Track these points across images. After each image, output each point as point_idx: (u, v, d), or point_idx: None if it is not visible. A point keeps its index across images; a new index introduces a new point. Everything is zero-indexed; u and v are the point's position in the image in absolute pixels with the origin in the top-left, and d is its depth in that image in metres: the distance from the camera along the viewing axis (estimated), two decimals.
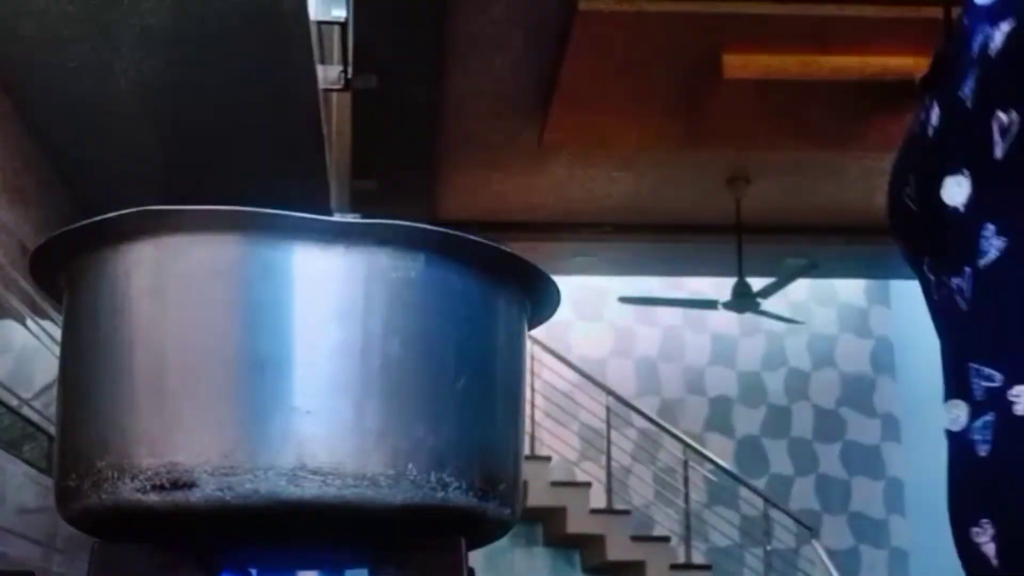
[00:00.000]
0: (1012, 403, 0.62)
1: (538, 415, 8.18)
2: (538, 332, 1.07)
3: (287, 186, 2.22)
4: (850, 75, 5.15)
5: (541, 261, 1.02)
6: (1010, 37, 0.66)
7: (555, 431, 8.24)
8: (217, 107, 2.00)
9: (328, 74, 2.27)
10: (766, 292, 7.24)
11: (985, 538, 0.64)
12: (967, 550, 0.66)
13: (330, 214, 2.36)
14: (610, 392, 8.37)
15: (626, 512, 8.12)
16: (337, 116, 3.16)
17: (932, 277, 0.73)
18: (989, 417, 0.64)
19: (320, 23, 2.13)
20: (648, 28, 5.12)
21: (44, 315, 2.10)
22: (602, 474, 8.25)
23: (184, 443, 0.89)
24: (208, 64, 1.85)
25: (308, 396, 0.89)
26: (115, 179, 2.26)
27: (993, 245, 0.65)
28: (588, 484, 8.15)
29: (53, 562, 2.13)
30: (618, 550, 7.81)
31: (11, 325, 1.99)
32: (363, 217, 0.98)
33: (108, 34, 1.74)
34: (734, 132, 6.03)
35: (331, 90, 2.40)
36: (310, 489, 0.88)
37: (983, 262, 0.65)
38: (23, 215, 2.03)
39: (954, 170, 0.69)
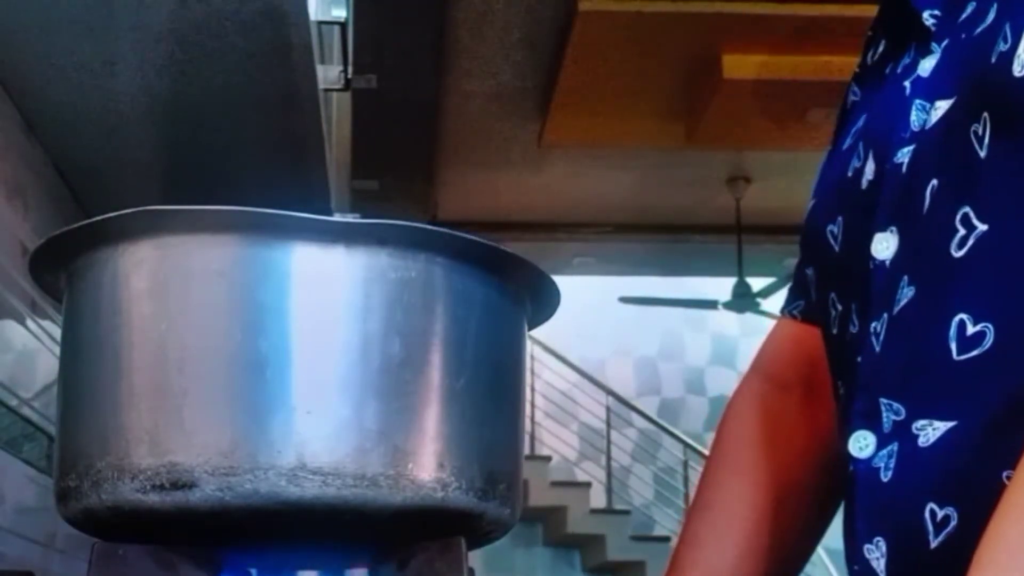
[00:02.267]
0: (916, 436, 0.69)
1: (538, 415, 8.19)
2: (538, 332, 1.07)
3: (287, 186, 2.22)
4: (849, 75, 5.14)
5: (541, 261, 1.02)
6: (951, 108, 0.73)
7: (555, 431, 8.24)
8: (217, 107, 2.00)
9: (328, 74, 2.27)
10: (766, 292, 7.23)
11: (877, 554, 0.70)
12: (859, 565, 0.72)
13: (330, 214, 2.36)
14: (610, 392, 8.37)
15: (626, 512, 8.12)
16: (337, 116, 3.16)
17: (840, 308, 0.80)
18: (894, 447, 0.71)
19: (320, 23, 2.13)
20: (648, 28, 5.12)
21: (44, 315, 2.10)
22: (602, 474, 8.25)
23: (184, 443, 0.89)
24: (208, 64, 1.85)
25: (308, 396, 0.89)
26: (115, 179, 2.26)
27: (905, 294, 0.72)
28: (588, 484, 8.15)
29: (53, 562, 2.13)
30: (618, 550, 7.82)
31: (11, 325, 1.99)
32: (363, 217, 0.98)
33: (108, 34, 1.74)
34: (734, 132, 6.03)
35: (331, 90, 2.40)
36: (310, 489, 0.88)
37: (896, 309, 0.72)
38: (23, 215, 2.03)
39: (883, 227, 0.75)
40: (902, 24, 0.83)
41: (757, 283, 7.29)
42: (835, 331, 0.81)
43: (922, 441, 0.69)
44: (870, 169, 0.78)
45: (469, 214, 7.07)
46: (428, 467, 0.91)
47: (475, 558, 0.98)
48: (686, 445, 8.19)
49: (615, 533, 7.89)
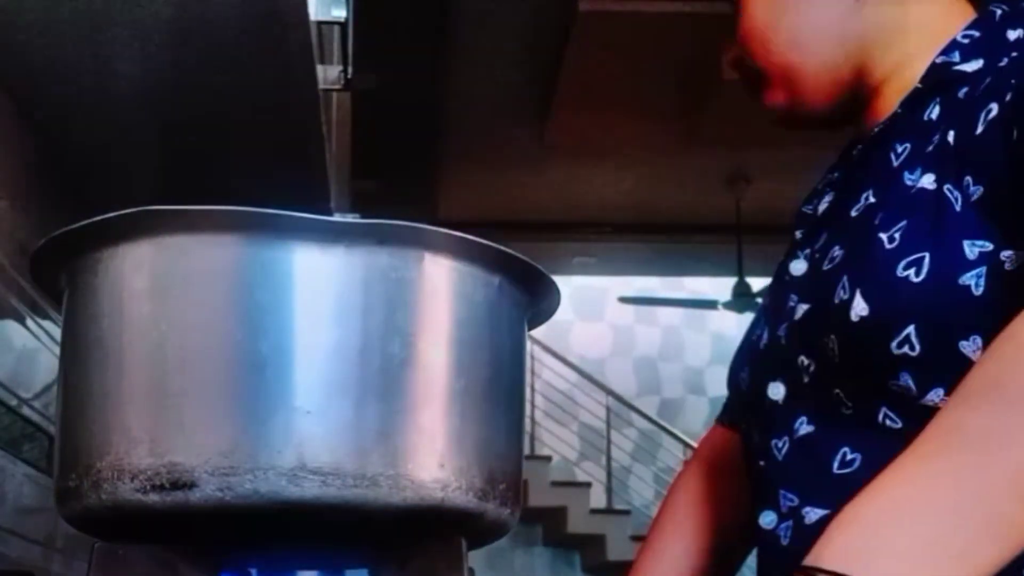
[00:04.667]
0: (803, 516, 0.99)
1: (538, 415, 8.19)
2: (538, 332, 1.09)
3: (287, 186, 2.23)
4: None
5: (541, 261, 1.02)
6: (807, 314, 1.01)
7: (555, 431, 8.24)
8: (217, 107, 2.00)
9: (328, 74, 2.27)
10: (766, 292, 7.22)
11: None
12: None
13: (330, 214, 2.36)
14: (610, 392, 8.37)
15: (626, 512, 8.13)
16: (337, 116, 3.16)
17: (746, 426, 1.12)
18: (789, 523, 1.00)
19: (320, 23, 2.13)
20: (648, 28, 5.12)
21: (44, 315, 2.10)
22: (602, 474, 8.26)
23: (184, 443, 0.89)
24: (208, 64, 1.85)
25: (308, 396, 0.89)
26: (115, 179, 2.26)
27: (803, 428, 1.00)
28: (588, 484, 8.16)
29: (53, 562, 2.13)
30: (618, 550, 7.82)
31: (11, 325, 1.99)
32: (363, 217, 0.98)
33: (108, 34, 1.74)
34: (734, 132, 6.03)
35: (331, 90, 2.40)
36: (310, 489, 0.88)
37: (797, 435, 1.01)
38: (23, 215, 2.03)
39: (774, 378, 1.04)
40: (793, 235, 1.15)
41: (757, 283, 7.29)
42: (746, 441, 1.12)
43: (807, 521, 0.98)
44: (765, 336, 1.08)
45: (469, 214, 7.07)
46: (428, 467, 0.92)
47: (475, 558, 0.98)
48: (686, 445, 8.19)
49: (615, 533, 7.89)
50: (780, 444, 1.02)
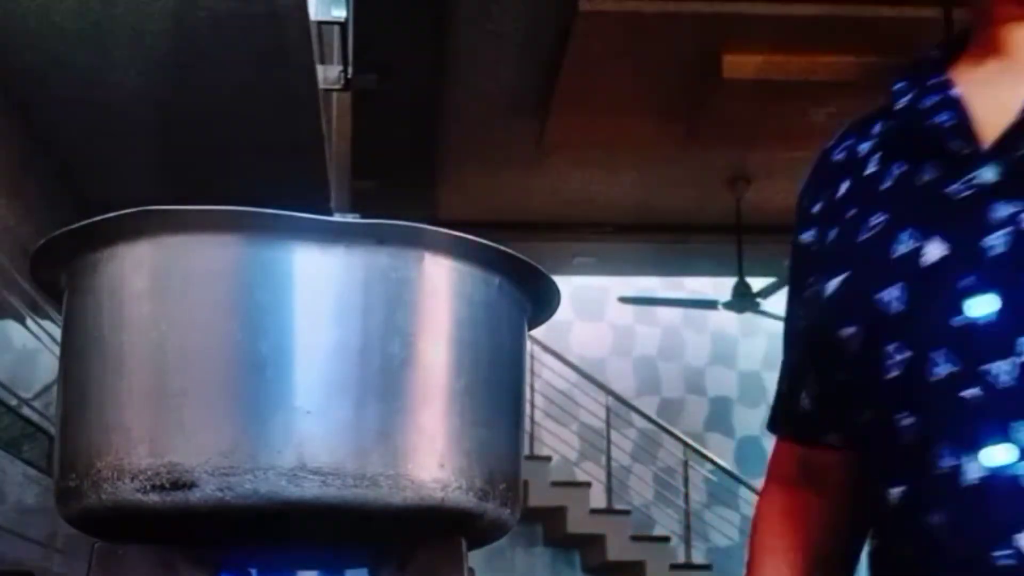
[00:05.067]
0: None
1: (538, 415, 8.18)
2: (538, 332, 1.09)
3: (287, 186, 2.22)
4: (850, 75, 5.15)
5: (541, 261, 1.02)
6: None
7: (555, 431, 8.24)
8: (217, 107, 2.00)
9: (328, 74, 2.27)
10: (766, 292, 7.23)
11: None
12: (1011, 551, 0.86)
13: (330, 214, 2.36)
14: (610, 392, 8.37)
15: (626, 512, 8.12)
16: (337, 116, 3.16)
17: (908, 354, 0.95)
18: None
19: (320, 23, 2.13)
20: (648, 28, 5.12)
21: (44, 315, 2.10)
22: (602, 474, 8.25)
23: (184, 443, 0.89)
24: (208, 64, 1.85)
25: (308, 396, 0.89)
26: (115, 179, 2.26)
27: None
28: (588, 484, 8.15)
29: (53, 562, 2.13)
30: (618, 550, 7.81)
31: (11, 325, 1.99)
32: (363, 217, 0.98)
33: (108, 34, 1.74)
34: (734, 132, 6.03)
35: (331, 90, 2.40)
36: (310, 489, 0.88)
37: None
38: (23, 215, 2.03)
39: (980, 291, 0.91)
40: (921, 147, 1.00)
41: (757, 283, 7.29)
42: (896, 374, 0.96)
43: None
44: (936, 249, 0.94)
45: (469, 214, 7.07)
46: (428, 467, 0.91)
47: (475, 558, 0.98)
48: (686, 445, 8.18)
49: (615, 533, 7.89)
50: (1004, 367, 0.90)
